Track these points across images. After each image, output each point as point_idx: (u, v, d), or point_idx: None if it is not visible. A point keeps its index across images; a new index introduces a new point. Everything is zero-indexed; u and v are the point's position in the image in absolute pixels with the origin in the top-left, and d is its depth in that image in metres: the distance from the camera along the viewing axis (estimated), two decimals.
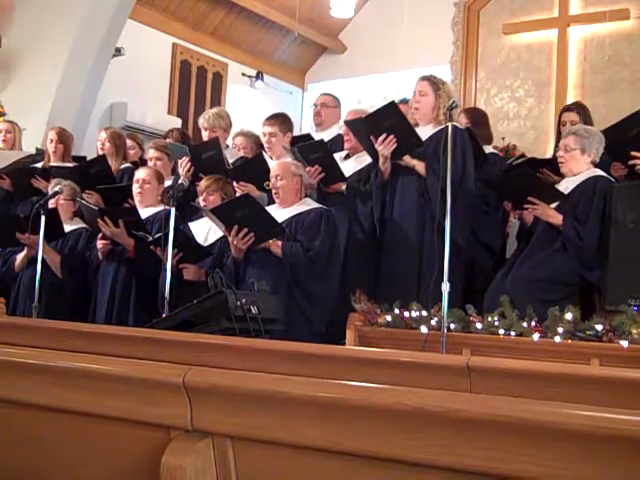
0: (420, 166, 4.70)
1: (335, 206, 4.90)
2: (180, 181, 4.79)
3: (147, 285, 4.87)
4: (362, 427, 1.29)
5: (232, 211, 4.40)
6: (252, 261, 4.51)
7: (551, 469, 1.14)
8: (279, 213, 4.57)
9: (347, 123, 4.96)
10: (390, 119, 4.59)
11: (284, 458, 1.38)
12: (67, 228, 5.22)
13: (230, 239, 4.45)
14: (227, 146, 5.69)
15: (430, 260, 4.25)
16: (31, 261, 4.92)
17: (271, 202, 4.83)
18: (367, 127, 4.71)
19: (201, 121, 5.60)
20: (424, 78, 4.86)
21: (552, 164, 4.76)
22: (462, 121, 5.30)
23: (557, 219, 4.28)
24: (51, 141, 6.00)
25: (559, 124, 5.39)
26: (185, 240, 4.63)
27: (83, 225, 5.31)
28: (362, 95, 9.39)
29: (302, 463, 1.37)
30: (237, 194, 4.93)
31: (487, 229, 5.10)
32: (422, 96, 4.81)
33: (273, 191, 4.71)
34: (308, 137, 5.80)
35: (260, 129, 5.60)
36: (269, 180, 4.78)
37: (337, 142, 5.42)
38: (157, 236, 4.64)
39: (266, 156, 5.31)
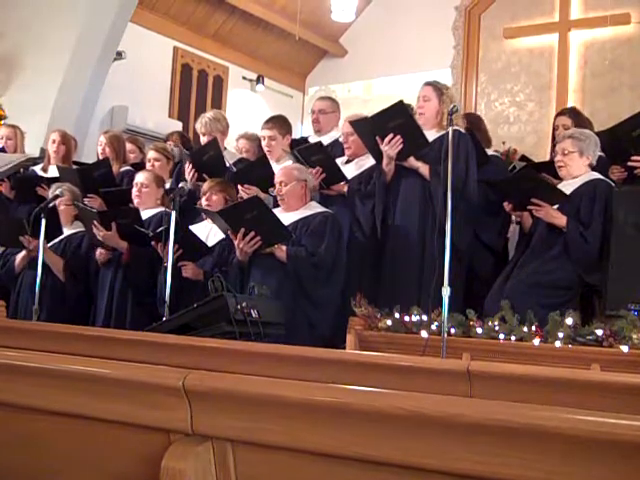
0: (424, 168, 4.70)
1: (336, 207, 4.90)
2: (181, 185, 4.79)
3: (141, 288, 4.88)
4: (362, 431, 1.28)
5: (240, 213, 4.39)
6: (256, 264, 4.50)
7: (551, 474, 1.14)
8: (284, 217, 4.55)
9: (352, 123, 4.95)
10: (397, 119, 4.59)
11: (284, 462, 1.38)
12: (68, 232, 5.23)
13: (236, 242, 4.44)
14: (225, 148, 5.69)
15: (431, 264, 4.25)
16: (31, 263, 4.92)
17: (275, 205, 4.83)
18: (373, 127, 4.70)
19: (198, 126, 5.62)
20: (428, 83, 4.88)
21: (550, 168, 4.76)
22: (461, 126, 5.30)
23: (561, 220, 4.27)
24: (53, 142, 5.99)
25: (553, 129, 5.43)
26: (185, 234, 4.63)
27: (84, 228, 5.32)
28: (363, 99, 9.40)
29: (302, 467, 1.37)
30: (239, 196, 4.94)
31: (489, 230, 5.09)
32: (426, 101, 4.83)
33: (278, 197, 4.70)
34: (304, 140, 5.82)
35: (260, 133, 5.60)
36: (273, 183, 4.78)
37: (337, 146, 5.42)
38: (159, 230, 4.65)
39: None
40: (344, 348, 4.07)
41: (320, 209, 4.70)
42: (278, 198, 4.72)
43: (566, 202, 4.31)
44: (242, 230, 4.37)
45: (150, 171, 5.44)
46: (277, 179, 4.71)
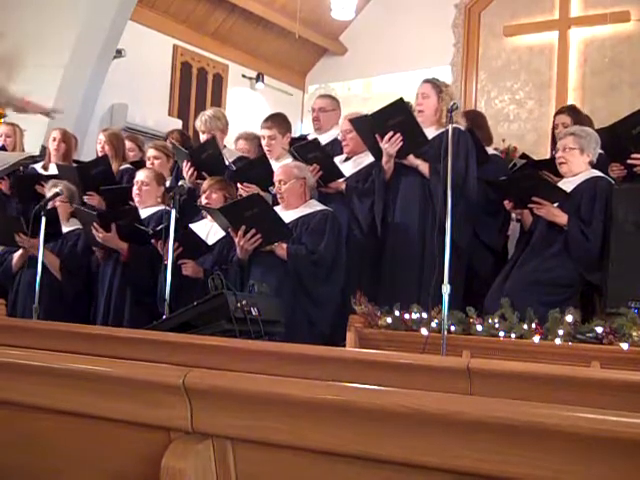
0: (424, 166, 4.70)
1: (334, 205, 4.90)
2: (180, 183, 4.80)
3: (141, 287, 4.88)
4: (362, 429, 1.28)
5: (241, 210, 4.39)
6: (256, 262, 4.50)
7: (552, 472, 1.14)
8: (284, 215, 4.56)
9: (351, 121, 4.95)
10: (397, 117, 4.58)
11: (284, 460, 1.38)
12: (65, 229, 5.23)
13: (236, 240, 4.44)
14: (224, 146, 5.69)
15: (431, 262, 4.25)
16: (28, 262, 4.91)
17: (275, 203, 4.83)
18: (373, 124, 4.70)
19: (198, 124, 5.61)
20: (427, 81, 4.88)
21: (550, 166, 4.76)
22: (461, 123, 5.30)
23: (562, 218, 4.27)
24: (54, 139, 6.00)
25: (553, 127, 5.44)
26: (185, 232, 4.63)
27: (81, 226, 5.31)
28: (363, 97, 9.40)
29: (302, 465, 1.37)
30: (239, 195, 4.93)
31: (489, 229, 5.09)
32: (424, 99, 4.83)
33: (278, 195, 4.71)
34: (304, 138, 5.81)
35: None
36: (273, 181, 4.78)
37: (337, 144, 5.41)
38: (159, 228, 4.66)
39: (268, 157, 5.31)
40: (344, 346, 4.07)
41: (320, 207, 4.70)
42: (278, 196, 4.72)
43: (567, 200, 4.31)
44: (243, 227, 4.37)
45: (150, 169, 5.44)
46: (276, 177, 4.71)
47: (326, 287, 4.49)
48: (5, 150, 6.10)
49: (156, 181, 5.23)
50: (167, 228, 4.36)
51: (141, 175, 5.24)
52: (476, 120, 5.55)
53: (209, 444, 1.43)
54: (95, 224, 4.85)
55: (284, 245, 4.45)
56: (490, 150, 5.48)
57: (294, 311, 4.32)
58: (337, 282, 4.54)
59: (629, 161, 4.44)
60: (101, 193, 5.44)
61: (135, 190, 5.18)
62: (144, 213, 5.11)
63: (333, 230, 4.55)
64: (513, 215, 5.04)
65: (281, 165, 4.92)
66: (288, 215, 4.60)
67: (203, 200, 4.87)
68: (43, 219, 4.68)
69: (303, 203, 4.70)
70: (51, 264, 5.02)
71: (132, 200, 5.25)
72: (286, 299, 4.26)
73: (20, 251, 5.09)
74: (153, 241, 4.73)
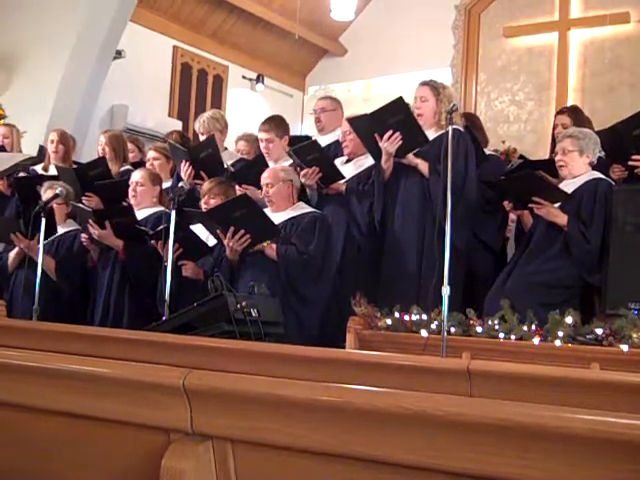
0: (423, 165, 4.70)
1: (334, 207, 4.89)
2: (180, 184, 4.80)
3: (140, 286, 4.87)
4: (362, 431, 1.28)
5: (229, 211, 4.40)
6: (246, 263, 4.51)
7: (551, 473, 1.14)
8: (273, 217, 4.57)
9: (350, 121, 4.94)
10: (396, 116, 4.58)
11: (284, 461, 1.38)
12: (61, 230, 5.22)
13: (225, 241, 4.45)
14: (225, 148, 5.68)
15: (431, 263, 4.25)
16: (23, 261, 4.88)
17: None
18: (372, 124, 4.69)
19: (197, 125, 5.62)
20: (424, 83, 4.87)
21: (549, 166, 4.75)
22: (459, 123, 5.29)
23: (562, 219, 4.27)
24: (52, 142, 6.00)
25: (553, 128, 5.43)
26: (186, 234, 4.63)
27: (77, 227, 5.31)
28: (363, 98, 9.40)
29: (302, 467, 1.37)
30: None
31: (488, 229, 5.09)
32: (423, 102, 4.82)
33: (266, 199, 4.71)
34: (307, 138, 5.79)
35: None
36: None
37: (339, 145, 5.40)
38: (159, 229, 4.66)
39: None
40: (344, 347, 4.06)
41: (309, 209, 4.71)
42: (266, 200, 4.72)
43: (567, 201, 4.31)
44: (232, 229, 4.38)
45: (145, 169, 5.44)
46: (263, 181, 4.71)
47: (316, 287, 4.49)
48: (4, 151, 6.10)
49: (151, 181, 5.21)
50: (167, 229, 4.36)
51: (136, 176, 5.24)
52: (472, 122, 5.56)
53: (209, 445, 1.42)
54: (90, 221, 4.85)
55: (274, 245, 4.45)
56: (487, 151, 5.49)
57: (284, 312, 4.31)
58: (327, 283, 4.55)
59: (630, 162, 4.44)
60: (96, 188, 5.41)
61: (131, 192, 5.18)
62: (141, 214, 5.10)
63: (322, 231, 4.56)
64: (512, 216, 5.04)
65: (268, 169, 4.90)
66: (277, 217, 4.61)
67: (203, 205, 4.86)
68: (43, 220, 4.68)
69: (291, 205, 4.70)
70: (47, 265, 5.01)
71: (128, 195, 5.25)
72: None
73: (16, 250, 5.08)
74: (153, 242, 4.73)
